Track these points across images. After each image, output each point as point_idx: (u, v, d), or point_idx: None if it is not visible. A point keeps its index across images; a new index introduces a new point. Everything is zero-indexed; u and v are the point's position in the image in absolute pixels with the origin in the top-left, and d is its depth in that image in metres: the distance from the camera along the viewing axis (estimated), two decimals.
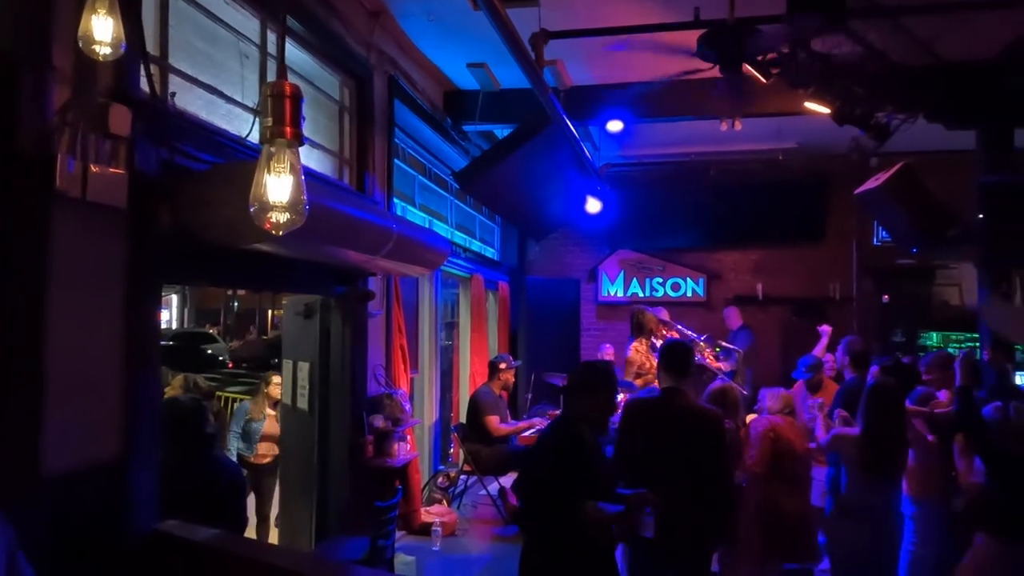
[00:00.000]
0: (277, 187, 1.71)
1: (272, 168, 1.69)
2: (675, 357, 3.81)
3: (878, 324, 8.86)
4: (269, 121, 1.72)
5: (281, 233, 1.77)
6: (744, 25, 4.29)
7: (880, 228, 8.62)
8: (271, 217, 1.72)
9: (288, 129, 1.72)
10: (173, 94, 3.47)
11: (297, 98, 1.73)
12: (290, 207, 1.73)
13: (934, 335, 8.74)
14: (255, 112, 4.03)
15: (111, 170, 2.84)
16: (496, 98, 7.06)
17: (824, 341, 6.96)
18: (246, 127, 3.93)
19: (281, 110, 1.71)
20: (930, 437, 4.28)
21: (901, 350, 8.57)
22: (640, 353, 7.30)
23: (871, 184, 5.88)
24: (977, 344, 6.74)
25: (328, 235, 3.79)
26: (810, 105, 5.30)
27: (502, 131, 7.45)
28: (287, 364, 5.61)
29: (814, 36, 4.42)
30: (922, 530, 4.35)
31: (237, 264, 3.80)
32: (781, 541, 4.26)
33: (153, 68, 3.19)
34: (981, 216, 5.48)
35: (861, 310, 9.28)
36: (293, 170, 1.70)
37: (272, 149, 1.72)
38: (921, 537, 4.36)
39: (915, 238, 5.72)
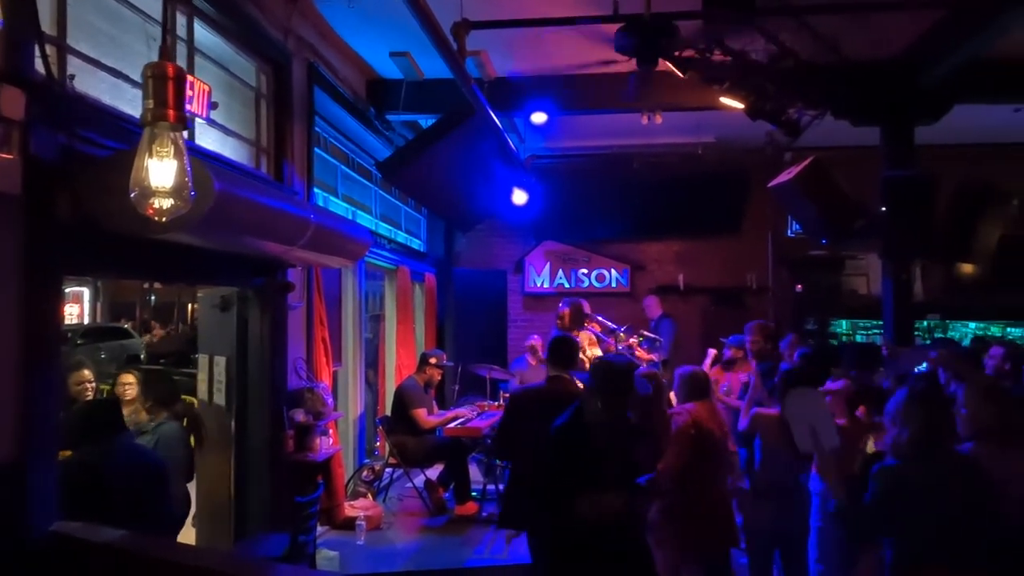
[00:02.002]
0: (160, 172, 1.64)
1: (154, 152, 1.63)
2: (560, 350, 4.18)
3: (792, 312, 9.21)
4: (150, 103, 1.65)
5: (165, 220, 1.70)
6: (660, 20, 4.37)
7: (793, 220, 8.95)
8: (153, 203, 1.66)
9: (171, 112, 1.65)
10: (72, 77, 3.30)
11: (180, 80, 1.67)
12: (174, 192, 1.67)
13: (843, 323, 9.15)
14: None
15: (1, 155, 2.69)
16: (420, 88, 7.01)
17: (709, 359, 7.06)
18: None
19: (163, 92, 1.65)
20: (840, 421, 4.46)
21: (813, 337, 8.95)
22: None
23: (783, 178, 6.11)
24: (880, 332, 7.09)
25: (242, 225, 3.69)
26: (725, 100, 5.46)
27: (427, 121, 7.39)
28: (203, 359, 5.44)
29: (728, 33, 4.55)
30: (829, 507, 4.53)
31: (146, 255, 3.66)
32: (701, 531, 4.27)
33: (50, 49, 3.03)
34: (884, 209, 5.76)
35: (777, 299, 9.63)
36: (177, 154, 1.64)
37: (154, 132, 1.65)
38: (827, 513, 4.54)
39: (824, 230, 5.97)
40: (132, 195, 1.66)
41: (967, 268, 8.34)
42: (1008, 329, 8.90)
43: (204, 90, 4.12)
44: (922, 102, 6.28)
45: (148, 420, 4.38)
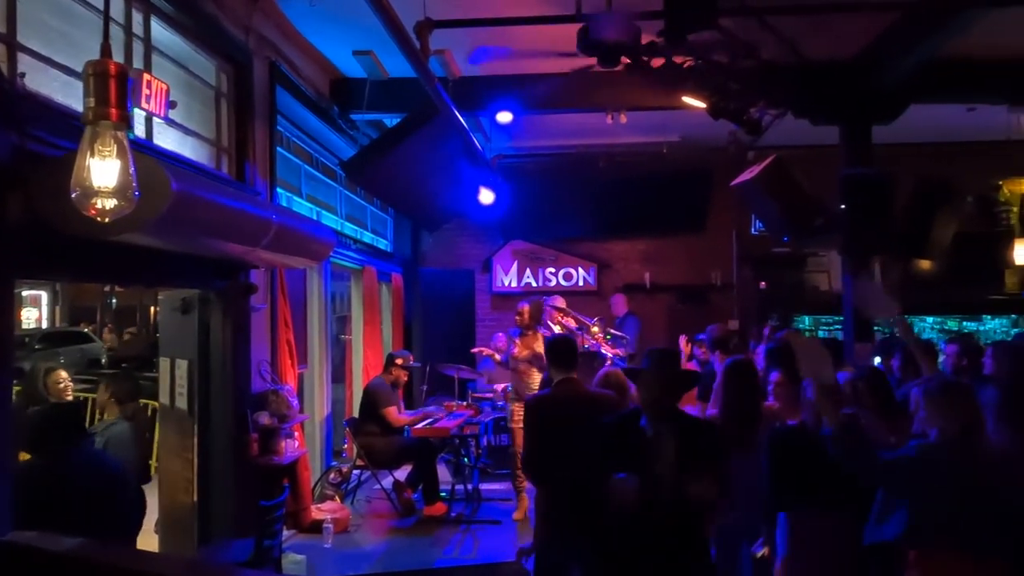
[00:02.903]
0: (102, 172, 1.61)
1: (96, 151, 1.59)
2: (561, 351, 4.01)
3: (756, 309, 9.33)
4: (91, 102, 1.61)
5: (108, 220, 1.67)
6: (624, 20, 4.40)
7: (755, 218, 9.07)
8: (96, 203, 1.62)
9: (113, 110, 1.62)
10: (23, 75, 3.22)
11: (123, 77, 1.63)
12: (118, 193, 1.63)
13: (806, 319, 9.29)
14: None
15: None
16: (385, 87, 6.96)
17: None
18: None
19: (105, 90, 1.61)
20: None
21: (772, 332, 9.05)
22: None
23: (746, 176, 6.18)
24: (840, 327, 7.21)
25: (202, 226, 3.64)
26: (687, 99, 5.52)
27: (392, 120, 7.34)
28: (164, 362, 5.35)
29: (689, 32, 4.58)
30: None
31: (104, 257, 3.59)
32: None
33: None
34: (843, 207, 5.86)
35: (741, 296, 9.76)
36: (121, 153, 1.61)
37: (96, 131, 1.61)
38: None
39: (785, 227, 6.05)
40: (73, 195, 1.63)
41: (925, 264, 8.55)
42: (964, 323, 9.13)
43: (162, 89, 4.05)
44: (879, 102, 6.41)
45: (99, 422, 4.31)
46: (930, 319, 9.12)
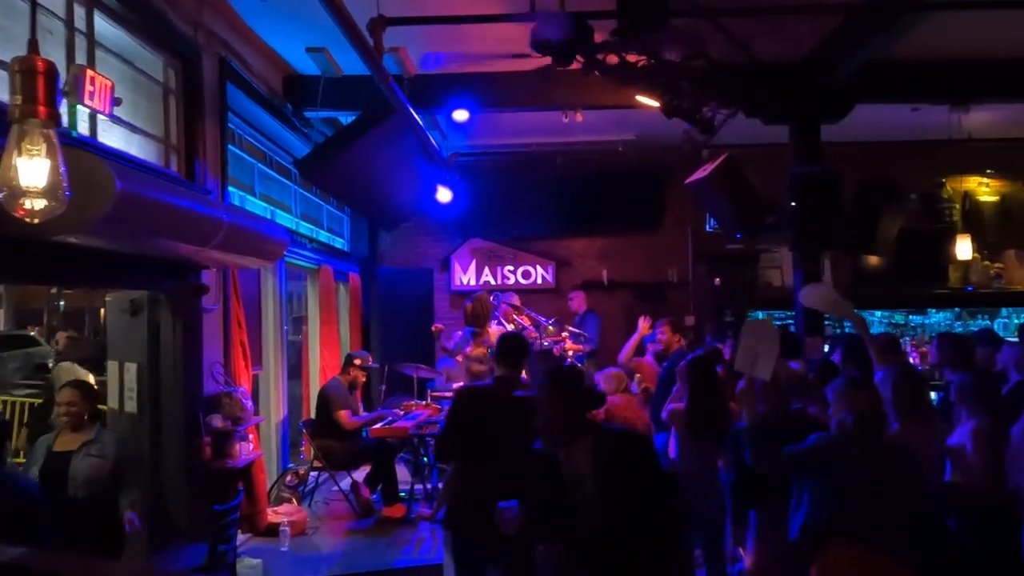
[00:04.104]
0: (31, 171, 1.56)
1: (24, 151, 1.54)
2: (506, 347, 3.95)
3: (711, 305, 9.46)
4: (18, 99, 1.56)
5: (37, 221, 1.63)
6: (576, 19, 4.42)
7: (709, 215, 9.20)
8: (24, 204, 1.58)
9: (42, 108, 1.57)
10: None
11: (51, 74, 1.59)
12: (47, 193, 1.59)
13: (760, 314, 9.45)
14: (60, 92, 3.69)
15: None
16: (339, 84, 6.88)
17: (639, 333, 7.07)
18: None
19: (32, 87, 1.56)
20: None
21: (732, 329, 9.21)
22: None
23: (699, 174, 6.28)
24: (792, 321, 7.36)
25: (148, 226, 3.56)
26: (641, 98, 5.57)
27: (347, 118, 7.27)
28: (113, 365, 5.23)
29: (642, 32, 4.63)
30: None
31: (45, 258, 3.50)
32: None
33: None
34: (793, 204, 5.98)
35: (696, 293, 9.89)
36: (50, 152, 1.56)
37: (23, 129, 1.56)
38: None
39: (737, 224, 6.16)
40: (0, 196, 1.58)
41: (873, 260, 8.78)
42: (911, 317, 9.40)
43: (106, 85, 3.95)
44: (827, 102, 6.55)
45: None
46: (878, 313, 9.36)
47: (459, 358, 7.89)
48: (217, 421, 5.19)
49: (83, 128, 4.04)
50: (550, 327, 7.60)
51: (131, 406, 4.96)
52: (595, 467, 2.86)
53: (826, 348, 6.54)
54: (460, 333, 7.36)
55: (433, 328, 7.66)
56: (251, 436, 5.65)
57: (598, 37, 4.79)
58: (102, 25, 4.32)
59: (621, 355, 6.86)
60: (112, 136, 4.34)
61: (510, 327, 7.27)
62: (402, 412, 7.22)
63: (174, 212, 3.73)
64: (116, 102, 4.09)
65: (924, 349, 7.91)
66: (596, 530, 2.84)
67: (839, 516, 3.12)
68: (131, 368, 4.97)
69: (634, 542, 2.84)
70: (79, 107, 3.86)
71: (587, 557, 2.88)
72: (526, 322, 7.60)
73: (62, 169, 1.58)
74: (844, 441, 3.16)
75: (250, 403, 5.60)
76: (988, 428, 3.56)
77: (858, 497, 3.09)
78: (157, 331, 4.87)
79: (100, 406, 6.27)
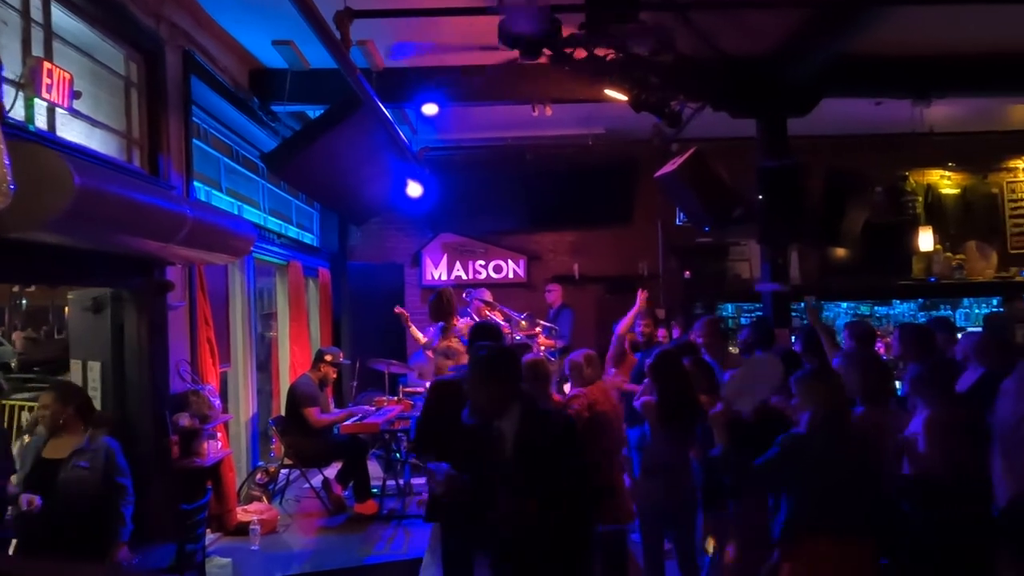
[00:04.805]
0: None
1: None
2: (476, 337, 3.97)
3: (682, 298, 9.53)
4: None
5: None
6: (544, 13, 4.42)
7: (678, 209, 9.26)
8: None
9: None
10: None
11: None
12: None
13: (729, 306, 9.55)
14: (16, 84, 3.61)
15: None
16: (307, 77, 6.79)
17: (638, 305, 6.99)
18: (7, 100, 3.51)
19: None
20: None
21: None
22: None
23: (668, 168, 6.32)
24: (760, 313, 7.44)
25: (110, 222, 3.49)
26: (610, 92, 5.59)
27: (315, 112, 7.18)
28: (76, 364, 5.13)
29: (610, 25, 4.64)
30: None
31: (2, 255, 3.40)
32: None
33: None
34: (760, 197, 6.05)
35: (667, 286, 9.93)
36: None
37: None
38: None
39: (706, 217, 6.21)
40: None
41: (839, 252, 8.91)
42: (876, 308, 9.56)
43: (65, 78, 3.86)
44: (793, 96, 6.63)
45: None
46: (844, 304, 9.51)
47: (429, 352, 7.87)
48: (184, 419, 5.12)
49: (41, 122, 3.94)
50: (523, 322, 7.60)
51: (95, 405, 4.86)
52: (514, 441, 3.04)
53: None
54: (432, 329, 7.32)
55: (396, 310, 7.58)
56: (219, 434, 5.58)
57: (566, 31, 4.80)
58: (60, 17, 4.22)
59: (618, 327, 6.68)
60: (72, 130, 4.25)
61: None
62: (374, 408, 7.19)
63: (136, 208, 3.66)
64: (75, 95, 4.01)
65: (888, 339, 8.05)
66: (510, 506, 3.01)
67: (807, 506, 3.17)
68: (94, 367, 4.87)
69: (544, 517, 2.98)
70: (37, 101, 3.77)
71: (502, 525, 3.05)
72: (499, 318, 7.59)
73: (6, 162, 1.54)
74: (810, 437, 3.21)
75: (218, 401, 5.53)
76: (942, 418, 3.58)
77: (824, 487, 3.15)
78: (121, 329, 4.79)
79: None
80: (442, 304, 6.94)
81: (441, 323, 6.91)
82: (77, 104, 4.08)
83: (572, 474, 3.06)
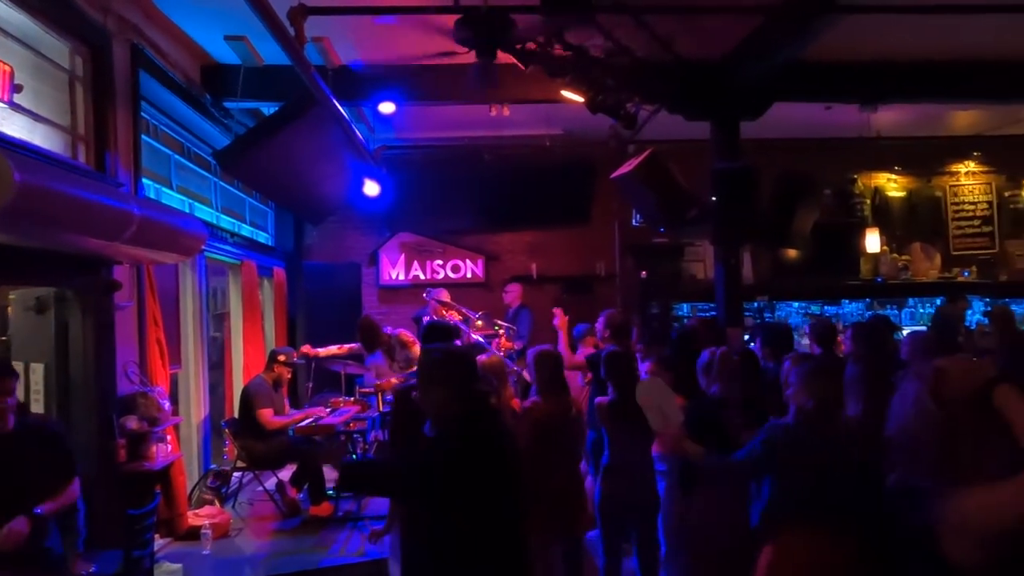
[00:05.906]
0: None
1: None
2: (430, 336, 3.91)
3: (638, 298, 9.63)
4: None
5: None
6: (498, 13, 4.42)
7: (634, 209, 9.35)
8: None
9: None
10: None
11: None
12: None
13: (684, 306, 9.69)
14: None
15: None
16: (260, 74, 6.71)
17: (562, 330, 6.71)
18: None
19: None
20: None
21: (658, 321, 9.41)
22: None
23: (625, 169, 6.38)
24: (715, 313, 7.55)
25: (52, 219, 3.40)
26: (566, 93, 5.62)
27: (269, 109, 7.08)
28: (18, 366, 4.95)
29: (566, 28, 4.68)
30: (670, 484, 4.80)
31: None
32: (551, 518, 4.23)
33: None
34: (714, 198, 6.14)
35: (624, 286, 10.05)
36: None
37: None
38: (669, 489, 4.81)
39: (661, 218, 6.29)
40: None
41: (790, 252, 9.10)
42: (825, 308, 9.80)
43: (5, 71, 3.75)
44: (745, 100, 6.74)
45: None
46: (796, 304, 9.72)
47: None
48: (132, 422, 5.00)
49: None
50: (478, 321, 7.59)
51: (37, 408, 4.73)
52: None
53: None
54: (371, 359, 7.36)
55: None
56: (169, 437, 5.46)
57: (522, 32, 4.82)
58: (4, 9, 4.08)
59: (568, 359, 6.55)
60: (12, 125, 4.11)
61: None
62: (329, 409, 7.11)
63: (80, 205, 3.57)
64: (16, 89, 3.89)
65: (839, 338, 8.27)
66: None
67: (790, 497, 3.21)
68: (37, 369, 4.74)
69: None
70: None
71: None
72: (456, 317, 7.58)
73: None
74: (799, 427, 3.25)
75: (167, 403, 5.41)
76: (864, 415, 3.65)
77: (808, 479, 3.18)
78: (65, 330, 4.66)
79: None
80: (367, 333, 7.00)
81: (378, 351, 6.91)
82: (18, 98, 3.96)
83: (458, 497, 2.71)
